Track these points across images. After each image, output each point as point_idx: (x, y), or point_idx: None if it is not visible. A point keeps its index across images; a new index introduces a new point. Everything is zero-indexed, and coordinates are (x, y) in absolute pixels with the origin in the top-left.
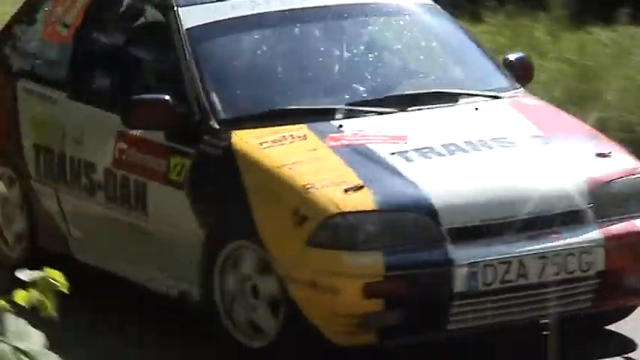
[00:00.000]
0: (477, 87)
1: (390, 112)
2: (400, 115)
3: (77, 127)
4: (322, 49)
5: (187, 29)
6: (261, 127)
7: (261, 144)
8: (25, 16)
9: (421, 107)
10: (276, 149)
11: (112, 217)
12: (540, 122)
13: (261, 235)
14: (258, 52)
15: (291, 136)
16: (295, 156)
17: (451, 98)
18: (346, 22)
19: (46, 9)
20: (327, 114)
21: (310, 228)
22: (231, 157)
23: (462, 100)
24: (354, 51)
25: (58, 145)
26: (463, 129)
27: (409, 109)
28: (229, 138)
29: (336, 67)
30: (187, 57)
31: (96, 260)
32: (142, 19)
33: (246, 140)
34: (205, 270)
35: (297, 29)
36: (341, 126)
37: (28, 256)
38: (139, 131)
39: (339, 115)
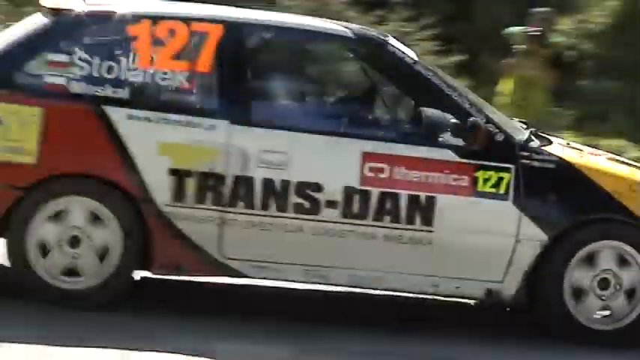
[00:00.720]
0: None
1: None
2: (557, 142)
3: (273, 151)
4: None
5: (415, 61)
6: None
7: (579, 156)
8: (76, 46)
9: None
10: (599, 161)
11: (355, 232)
12: None
13: None
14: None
15: (579, 149)
16: (617, 165)
17: None
18: None
19: (112, 39)
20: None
21: None
22: (570, 169)
23: None
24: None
25: (233, 169)
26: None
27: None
28: (549, 153)
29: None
30: (449, 85)
31: (295, 275)
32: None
33: (570, 154)
34: (549, 267)
35: None
36: (569, 143)
37: (124, 288)
38: (403, 150)
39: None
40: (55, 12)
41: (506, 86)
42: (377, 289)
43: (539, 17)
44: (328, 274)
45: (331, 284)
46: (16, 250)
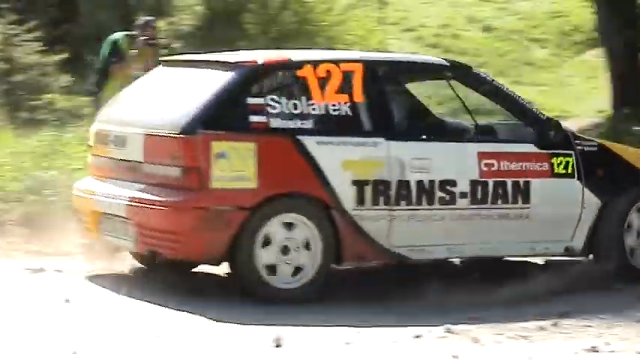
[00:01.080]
0: None
1: None
2: None
3: (418, 158)
4: None
5: (493, 80)
6: None
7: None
8: (263, 89)
9: None
10: (615, 144)
11: (479, 215)
12: None
13: None
14: None
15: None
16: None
17: None
18: None
19: (289, 83)
20: None
21: None
22: (607, 151)
23: None
24: None
25: (395, 176)
26: None
27: None
28: (592, 140)
29: None
30: (519, 97)
31: (441, 253)
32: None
33: (604, 140)
34: (609, 224)
35: None
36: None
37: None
38: (503, 148)
39: None
40: (238, 65)
41: (111, 85)
42: (495, 256)
43: (146, 24)
44: (463, 249)
45: (466, 257)
46: (247, 264)
